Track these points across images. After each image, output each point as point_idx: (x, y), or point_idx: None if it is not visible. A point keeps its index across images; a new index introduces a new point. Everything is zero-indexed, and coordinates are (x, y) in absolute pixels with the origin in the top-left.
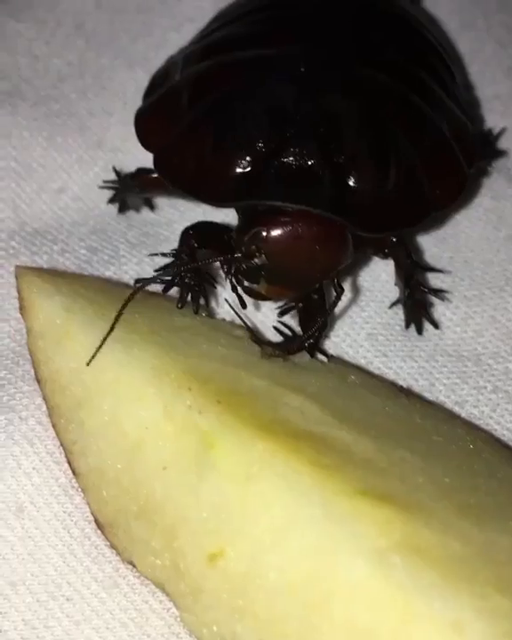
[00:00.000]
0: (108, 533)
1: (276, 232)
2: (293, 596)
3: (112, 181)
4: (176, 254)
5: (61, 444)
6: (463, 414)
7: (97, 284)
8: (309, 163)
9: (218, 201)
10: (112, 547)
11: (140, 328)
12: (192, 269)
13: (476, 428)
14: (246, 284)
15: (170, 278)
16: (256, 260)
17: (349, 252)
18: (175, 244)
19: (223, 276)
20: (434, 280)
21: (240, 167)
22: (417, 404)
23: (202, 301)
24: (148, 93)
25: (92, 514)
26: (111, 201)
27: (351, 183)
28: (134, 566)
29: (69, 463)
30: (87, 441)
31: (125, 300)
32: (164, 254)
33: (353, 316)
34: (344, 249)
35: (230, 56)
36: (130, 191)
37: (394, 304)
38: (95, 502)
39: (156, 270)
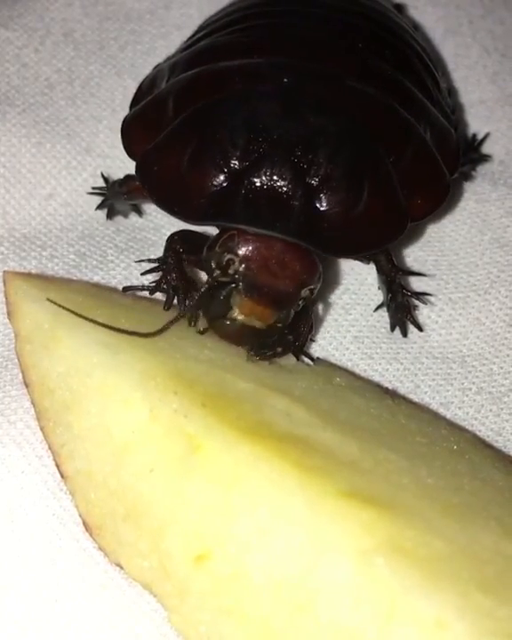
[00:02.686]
0: (96, 536)
1: (247, 244)
2: (279, 597)
3: (100, 188)
4: (162, 259)
5: (49, 448)
6: (448, 415)
7: (85, 289)
8: (280, 185)
9: (189, 218)
10: (100, 549)
11: (127, 334)
12: (178, 273)
13: (460, 428)
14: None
15: (156, 284)
16: (230, 271)
17: (318, 273)
18: (163, 249)
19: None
20: (418, 283)
21: (212, 185)
22: (402, 405)
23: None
24: (135, 101)
25: (81, 516)
26: (99, 207)
27: (321, 207)
28: (122, 568)
29: (57, 466)
30: (75, 444)
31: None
32: (150, 260)
33: (339, 318)
34: (312, 270)
35: (215, 65)
36: (118, 197)
37: (378, 307)
38: (83, 505)
39: (142, 273)
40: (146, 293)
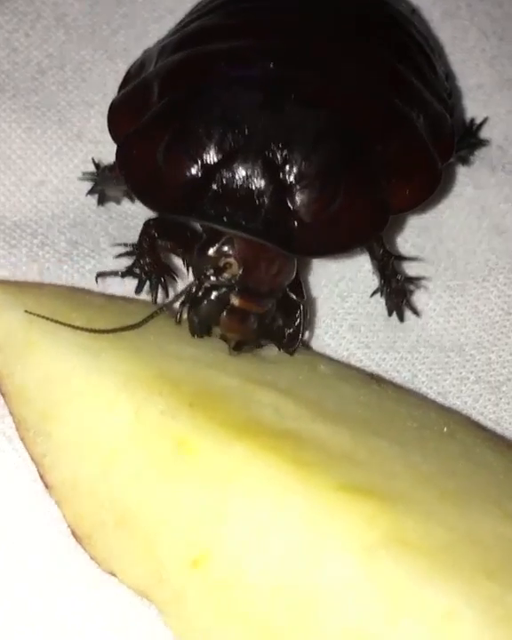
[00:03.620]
0: (86, 545)
1: (245, 248)
2: (281, 598)
3: (91, 173)
4: (137, 244)
5: (31, 458)
6: (446, 405)
7: (57, 292)
8: (251, 182)
9: (159, 210)
10: (92, 558)
11: (104, 334)
12: (152, 258)
13: (449, 410)
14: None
15: (128, 268)
16: (226, 275)
17: (292, 268)
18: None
19: (184, 269)
20: (417, 269)
21: (185, 178)
22: (388, 389)
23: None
24: (124, 85)
25: (69, 526)
26: (90, 192)
27: (292, 206)
28: (116, 576)
29: (41, 477)
30: (57, 453)
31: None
32: (125, 245)
33: (335, 306)
34: (286, 268)
35: (201, 49)
36: (109, 183)
37: (374, 293)
38: (71, 515)
39: (116, 256)
40: (120, 292)
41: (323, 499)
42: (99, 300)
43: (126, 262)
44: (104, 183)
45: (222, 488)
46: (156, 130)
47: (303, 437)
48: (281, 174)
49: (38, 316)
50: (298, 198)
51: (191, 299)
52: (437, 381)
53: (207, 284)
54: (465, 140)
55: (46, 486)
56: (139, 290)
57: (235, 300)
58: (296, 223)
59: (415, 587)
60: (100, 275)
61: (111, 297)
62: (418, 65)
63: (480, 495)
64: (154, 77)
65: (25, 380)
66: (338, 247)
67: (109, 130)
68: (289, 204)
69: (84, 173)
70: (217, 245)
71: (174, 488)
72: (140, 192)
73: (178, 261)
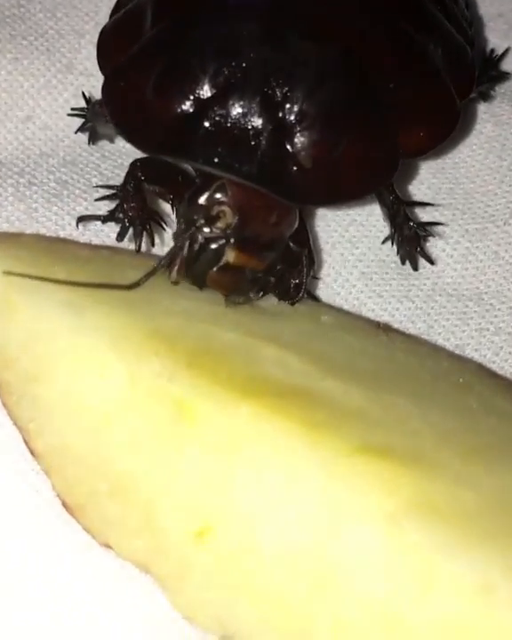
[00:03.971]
0: (78, 516)
1: (239, 194)
2: (296, 570)
3: (82, 108)
4: (121, 187)
5: (15, 424)
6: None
7: (36, 243)
8: (247, 120)
9: (145, 148)
10: (85, 530)
11: (91, 288)
12: (137, 203)
13: (461, 359)
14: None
15: (110, 212)
16: (219, 224)
17: (293, 216)
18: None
19: (173, 215)
20: (432, 212)
21: (174, 115)
22: (397, 340)
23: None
24: (115, 10)
25: (59, 496)
26: (80, 129)
27: (291, 149)
28: (112, 549)
29: (26, 443)
30: (44, 418)
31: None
32: (108, 187)
33: (344, 253)
34: (287, 216)
35: None
36: (100, 119)
37: (386, 240)
38: (60, 483)
39: (97, 199)
40: (106, 242)
41: (338, 462)
42: (83, 252)
43: (110, 206)
44: (95, 119)
45: (227, 454)
46: (145, 62)
47: (313, 396)
48: (280, 113)
49: (18, 274)
50: (297, 140)
51: (184, 254)
52: (454, 333)
53: (200, 238)
54: (485, 73)
55: (33, 454)
56: (120, 237)
57: (230, 255)
58: (294, 168)
59: (445, 558)
60: (81, 219)
61: (96, 247)
62: None
63: (506, 452)
64: (146, 3)
65: (5, 341)
66: (341, 196)
67: (98, 61)
68: (287, 147)
69: (73, 109)
70: (209, 192)
71: (174, 455)
72: (125, 129)
73: (166, 207)
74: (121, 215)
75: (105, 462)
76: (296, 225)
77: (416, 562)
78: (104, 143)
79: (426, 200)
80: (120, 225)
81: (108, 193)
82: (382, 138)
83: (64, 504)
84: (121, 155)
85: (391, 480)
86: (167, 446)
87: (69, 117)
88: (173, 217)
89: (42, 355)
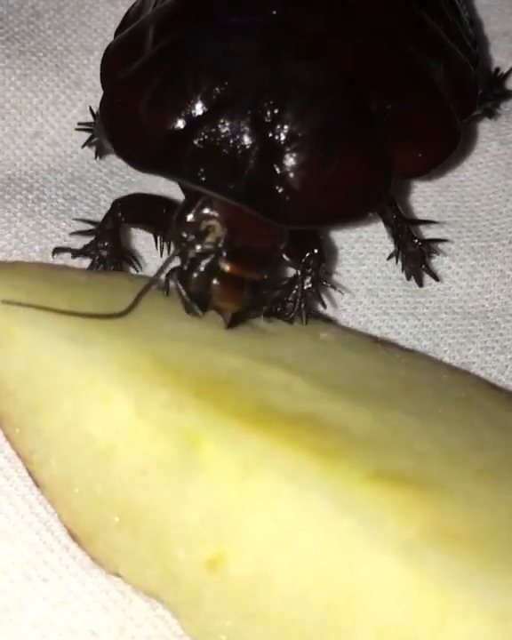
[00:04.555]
0: (86, 546)
1: (225, 206)
2: (310, 599)
3: (88, 123)
4: (99, 225)
5: (18, 455)
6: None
7: (34, 271)
8: (237, 139)
9: (134, 164)
10: (93, 559)
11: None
12: (110, 242)
13: (460, 372)
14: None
15: (83, 247)
16: (209, 239)
17: (283, 235)
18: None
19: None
20: (438, 230)
21: (165, 131)
22: (396, 354)
23: None
24: (121, 29)
25: (65, 526)
26: (87, 144)
27: (279, 169)
28: (122, 577)
29: (30, 474)
30: (48, 449)
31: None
32: (86, 221)
33: (351, 269)
34: (278, 229)
35: None
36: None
37: (391, 256)
38: (67, 514)
39: (71, 233)
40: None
41: (350, 491)
42: (80, 277)
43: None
44: (101, 134)
45: (238, 483)
46: (141, 79)
47: (321, 421)
48: (269, 133)
49: (18, 304)
50: (286, 162)
51: (179, 273)
52: (460, 351)
53: (192, 254)
54: (490, 91)
55: (37, 485)
56: (91, 269)
57: (225, 265)
58: (281, 189)
59: (462, 586)
60: (56, 251)
61: (90, 273)
62: (440, 8)
63: None
64: (149, 22)
65: (5, 373)
66: (328, 219)
67: (101, 80)
68: (275, 167)
69: (79, 123)
70: (195, 208)
71: (184, 484)
72: (117, 143)
73: (141, 246)
74: (92, 252)
75: (112, 492)
76: (286, 237)
77: (433, 590)
78: (112, 159)
79: (431, 217)
80: (91, 260)
81: (86, 228)
82: (374, 161)
83: (71, 534)
84: (128, 170)
85: (405, 507)
86: (177, 476)
87: (78, 133)
88: (156, 250)
89: (43, 386)
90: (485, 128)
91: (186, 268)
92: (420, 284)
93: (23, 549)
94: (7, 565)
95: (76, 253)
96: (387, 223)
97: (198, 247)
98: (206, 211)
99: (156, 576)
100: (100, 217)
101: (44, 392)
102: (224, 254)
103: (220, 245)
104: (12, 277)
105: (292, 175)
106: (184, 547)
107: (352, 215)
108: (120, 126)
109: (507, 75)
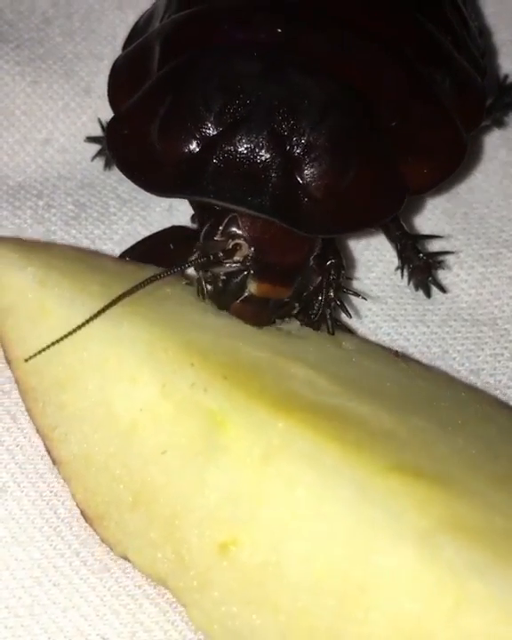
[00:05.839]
0: (97, 526)
1: (252, 225)
2: (322, 587)
3: (97, 136)
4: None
5: (38, 431)
6: (479, 384)
7: (72, 254)
8: (256, 154)
9: (154, 190)
10: (103, 540)
11: (123, 300)
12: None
13: (477, 390)
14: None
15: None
16: (237, 257)
17: (312, 240)
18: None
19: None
20: (448, 238)
21: (181, 154)
22: (415, 368)
23: None
24: (129, 41)
25: (78, 505)
26: (97, 156)
27: (301, 180)
28: (130, 561)
29: (48, 451)
30: (70, 426)
31: (125, 291)
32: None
33: (360, 277)
34: (304, 241)
35: (206, 7)
36: None
37: (397, 269)
38: (82, 493)
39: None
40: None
41: (370, 481)
42: (112, 265)
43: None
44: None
45: (259, 467)
46: (147, 108)
47: (343, 415)
48: (288, 146)
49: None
50: (307, 172)
51: (209, 293)
52: (469, 358)
53: (222, 274)
54: (499, 100)
55: (54, 462)
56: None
57: (252, 286)
58: (306, 198)
59: (477, 576)
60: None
61: (122, 262)
62: (447, 20)
63: None
64: (155, 38)
65: (35, 347)
66: (350, 225)
67: (109, 97)
68: (297, 178)
69: (87, 137)
70: (222, 227)
71: (205, 466)
72: (130, 173)
73: None
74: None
75: (130, 472)
76: (317, 249)
77: (448, 579)
78: None
79: (440, 225)
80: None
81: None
82: (389, 167)
83: (83, 514)
84: None
85: (424, 500)
86: (198, 457)
87: (91, 143)
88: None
89: (72, 363)
90: (494, 136)
91: (216, 285)
92: (428, 294)
93: (34, 554)
94: (18, 570)
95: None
96: (391, 239)
97: (226, 265)
98: (232, 229)
99: (166, 559)
100: (109, 223)
101: (72, 369)
102: (252, 272)
103: (247, 264)
104: (48, 257)
105: (314, 184)
106: (197, 529)
107: (374, 220)
108: (131, 156)
109: None
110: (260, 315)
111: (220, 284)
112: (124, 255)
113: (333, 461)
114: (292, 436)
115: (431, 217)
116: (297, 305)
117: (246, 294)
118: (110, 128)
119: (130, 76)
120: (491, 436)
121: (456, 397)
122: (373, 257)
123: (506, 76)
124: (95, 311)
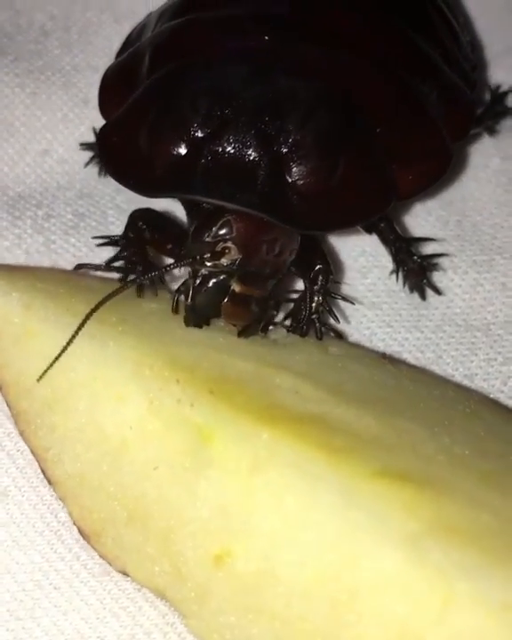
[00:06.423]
0: (95, 543)
1: (244, 230)
2: (315, 593)
3: (92, 143)
4: (122, 235)
5: (32, 452)
6: (473, 388)
7: (55, 276)
8: (244, 153)
9: (143, 191)
10: (101, 557)
11: (109, 318)
12: (137, 250)
13: (466, 389)
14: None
15: (110, 259)
16: (224, 260)
17: (294, 246)
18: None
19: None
20: (441, 243)
21: (171, 155)
22: (403, 369)
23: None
24: (121, 52)
25: (75, 523)
26: (90, 162)
27: (289, 178)
28: (128, 575)
29: (43, 472)
30: (62, 446)
31: (102, 298)
32: (107, 237)
33: (354, 283)
34: (291, 235)
35: (196, 17)
36: None
37: (392, 273)
38: (78, 511)
39: (98, 245)
40: (116, 274)
41: (358, 486)
42: (97, 285)
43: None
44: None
45: (247, 478)
46: (139, 112)
47: (329, 422)
48: (275, 145)
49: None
50: (295, 169)
51: (188, 288)
52: (463, 363)
53: (204, 272)
54: (491, 108)
55: (49, 482)
56: (123, 282)
57: (236, 287)
58: (295, 196)
59: (465, 577)
60: (80, 267)
61: (106, 280)
62: (436, 34)
63: None
64: (146, 47)
65: (23, 370)
66: (339, 222)
67: (99, 103)
68: (286, 176)
69: (81, 144)
70: (214, 229)
71: (194, 480)
72: (124, 179)
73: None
74: (122, 262)
75: (123, 488)
76: (294, 254)
77: (436, 581)
78: None
79: (435, 231)
80: (122, 272)
81: (105, 240)
82: (376, 167)
83: (80, 531)
84: None
85: (410, 503)
86: (188, 471)
87: (86, 150)
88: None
89: (60, 384)
90: (487, 144)
91: (196, 284)
92: (423, 297)
93: (34, 558)
94: (19, 574)
95: (105, 268)
96: (385, 243)
97: (210, 265)
98: (223, 232)
99: (164, 572)
100: (107, 233)
101: (61, 390)
102: (237, 276)
103: (234, 267)
104: (33, 280)
105: (302, 182)
106: (192, 542)
107: (363, 216)
108: (121, 160)
109: (507, 92)
110: (248, 312)
111: (200, 284)
112: (134, 213)
113: (319, 469)
114: (278, 447)
115: (425, 224)
116: (272, 302)
117: (230, 295)
118: (101, 134)
119: (120, 83)
120: (479, 434)
121: (444, 397)
122: (368, 263)
123: (498, 86)
124: (82, 333)
